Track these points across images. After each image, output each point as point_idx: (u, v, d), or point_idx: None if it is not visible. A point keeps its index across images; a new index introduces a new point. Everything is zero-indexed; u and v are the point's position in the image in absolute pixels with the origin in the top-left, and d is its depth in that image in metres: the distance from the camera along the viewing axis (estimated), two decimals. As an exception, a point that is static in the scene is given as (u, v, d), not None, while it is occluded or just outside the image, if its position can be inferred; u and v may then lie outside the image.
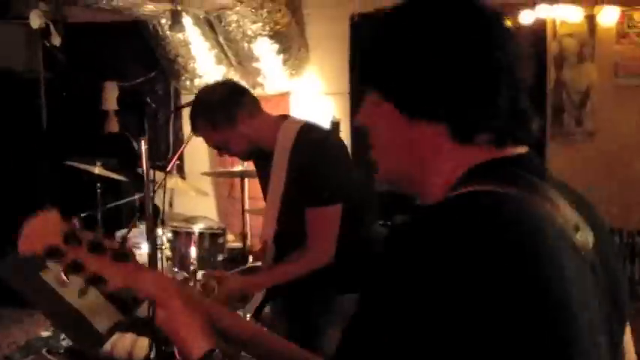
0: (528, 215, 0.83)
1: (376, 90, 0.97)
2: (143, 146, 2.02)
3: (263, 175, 2.50)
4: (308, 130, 2.32)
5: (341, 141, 2.50)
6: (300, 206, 2.26)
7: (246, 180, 4.18)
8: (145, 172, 2.06)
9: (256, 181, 5.03)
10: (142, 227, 3.97)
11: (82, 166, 4.20)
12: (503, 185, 0.85)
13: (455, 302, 0.74)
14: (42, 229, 1.11)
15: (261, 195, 4.53)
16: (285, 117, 2.46)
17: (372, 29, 1.01)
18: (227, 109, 2.30)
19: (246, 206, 4.32)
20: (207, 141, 2.45)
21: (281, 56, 4.55)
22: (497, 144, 0.92)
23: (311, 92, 5.01)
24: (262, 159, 2.46)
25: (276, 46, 4.44)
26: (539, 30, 4.28)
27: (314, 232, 2.26)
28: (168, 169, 2.34)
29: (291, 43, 4.56)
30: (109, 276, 1.12)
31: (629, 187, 4.33)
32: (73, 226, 1.14)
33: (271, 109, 5.04)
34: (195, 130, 2.40)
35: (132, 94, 5.31)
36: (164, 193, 2.23)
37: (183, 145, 2.44)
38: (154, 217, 2.28)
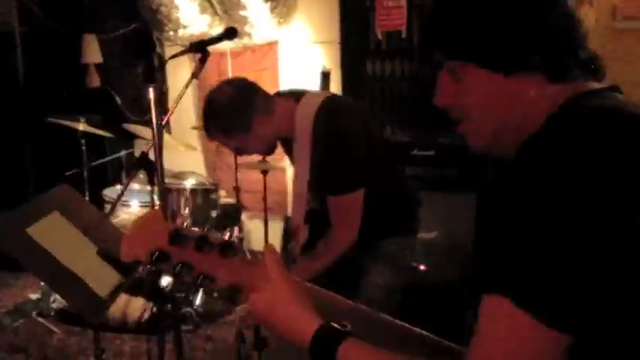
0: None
1: (466, 60, 1.00)
2: (151, 94, 1.89)
3: (290, 157, 2.46)
4: (325, 112, 2.23)
5: (361, 111, 2.43)
6: (325, 190, 2.27)
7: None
8: (153, 120, 1.94)
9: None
10: (133, 184, 3.84)
11: (66, 123, 4.04)
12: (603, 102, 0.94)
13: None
14: (145, 232, 1.06)
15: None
16: (299, 96, 2.34)
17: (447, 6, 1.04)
18: (241, 117, 2.24)
19: (238, 160, 4.19)
20: (225, 146, 2.40)
21: (268, 4, 4.37)
22: (584, 78, 1.00)
23: (300, 41, 4.83)
24: (286, 144, 2.42)
25: (263, -7, 4.25)
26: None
27: (336, 219, 2.24)
28: (163, 122, 2.20)
29: (280, -12, 4.37)
30: (217, 274, 1.06)
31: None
32: (179, 225, 1.10)
33: (259, 60, 4.88)
34: (210, 138, 2.36)
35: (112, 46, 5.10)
36: (156, 149, 2.10)
37: (174, 103, 2.30)
38: (150, 174, 2.14)
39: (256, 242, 5.02)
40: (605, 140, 0.84)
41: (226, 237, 1.04)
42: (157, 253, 1.04)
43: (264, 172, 3.90)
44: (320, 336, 1.03)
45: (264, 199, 3.95)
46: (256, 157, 4.14)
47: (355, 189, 2.21)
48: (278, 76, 4.87)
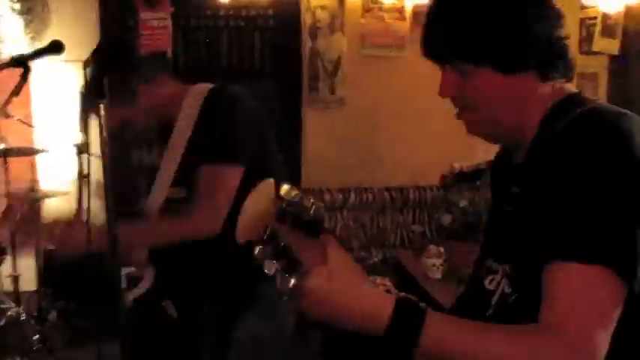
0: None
1: (471, 62, 1.15)
2: None
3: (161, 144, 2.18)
4: (219, 90, 2.08)
5: (258, 106, 2.17)
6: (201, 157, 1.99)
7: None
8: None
9: (18, 161, 4.44)
10: None
11: None
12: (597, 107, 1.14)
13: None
14: (260, 206, 0.95)
15: (22, 176, 4.04)
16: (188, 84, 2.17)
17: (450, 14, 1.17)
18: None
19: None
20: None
21: (22, 17, 4.06)
22: (565, 80, 1.21)
23: (54, 59, 4.54)
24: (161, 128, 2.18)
25: (18, 5, 3.94)
26: (294, 2, 4.42)
27: (205, 191, 1.94)
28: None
29: (35, 1, 4.08)
30: (305, 259, 0.95)
31: (378, 149, 4.73)
32: (286, 197, 0.95)
33: (7, 77, 4.49)
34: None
35: None
36: None
37: None
38: None
39: None
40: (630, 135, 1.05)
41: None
42: (270, 234, 0.91)
43: None
44: (401, 311, 0.96)
45: None
46: None
47: (235, 162, 1.96)
48: (30, 94, 4.52)
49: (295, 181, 4.76)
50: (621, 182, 1.02)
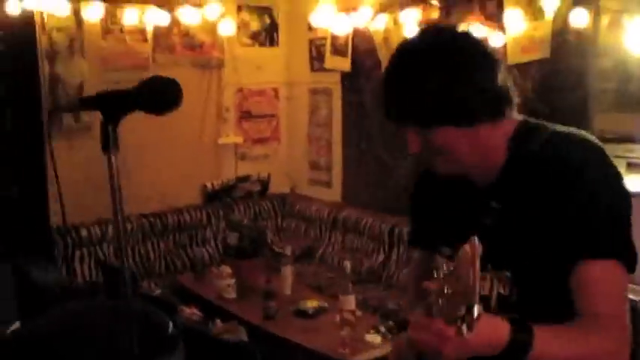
0: None
1: (427, 127, 1.30)
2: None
3: None
4: None
5: None
6: None
7: None
8: None
9: None
10: None
11: None
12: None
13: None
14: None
15: None
16: None
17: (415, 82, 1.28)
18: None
19: None
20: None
21: None
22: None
23: None
24: None
25: None
26: (27, 23, 3.99)
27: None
28: None
29: None
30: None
31: (129, 175, 4.51)
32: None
33: None
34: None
35: None
36: None
37: None
38: None
39: None
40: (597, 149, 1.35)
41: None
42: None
43: None
44: (516, 332, 1.19)
45: None
46: None
47: None
48: None
49: (43, 221, 4.31)
50: (616, 191, 1.30)
